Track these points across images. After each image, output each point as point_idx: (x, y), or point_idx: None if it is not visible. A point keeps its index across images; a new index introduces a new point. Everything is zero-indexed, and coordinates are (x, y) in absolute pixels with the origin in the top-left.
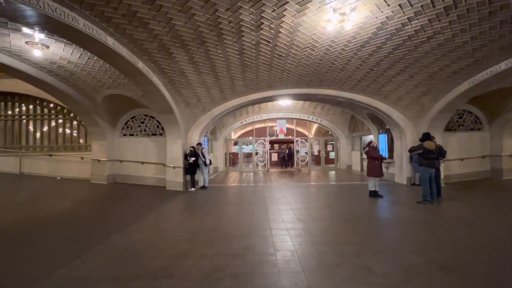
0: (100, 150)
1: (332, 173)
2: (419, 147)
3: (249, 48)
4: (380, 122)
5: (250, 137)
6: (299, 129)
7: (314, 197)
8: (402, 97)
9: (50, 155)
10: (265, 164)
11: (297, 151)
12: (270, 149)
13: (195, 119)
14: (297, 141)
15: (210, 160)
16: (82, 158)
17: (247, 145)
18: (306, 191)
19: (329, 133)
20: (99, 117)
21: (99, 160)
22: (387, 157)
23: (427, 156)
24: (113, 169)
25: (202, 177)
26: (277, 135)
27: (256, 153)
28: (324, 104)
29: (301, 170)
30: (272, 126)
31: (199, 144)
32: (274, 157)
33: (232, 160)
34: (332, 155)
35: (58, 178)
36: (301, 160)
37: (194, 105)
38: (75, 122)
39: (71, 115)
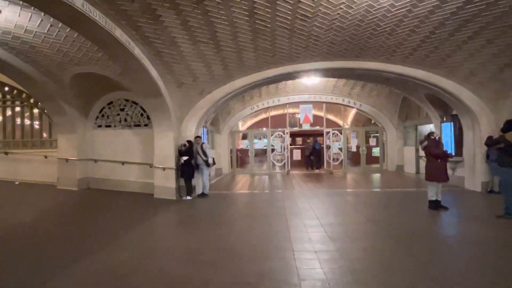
0: (69, 146)
1: (376, 176)
2: (500, 140)
3: (263, 7)
4: (444, 107)
5: (264, 128)
6: (331, 116)
7: (352, 209)
8: (475, 70)
9: (6, 153)
10: (284, 164)
11: (328, 147)
12: (291, 145)
13: (190, 104)
14: (327, 133)
15: (213, 159)
16: (46, 157)
17: (260, 139)
18: (340, 200)
19: (372, 121)
20: (67, 103)
21: (67, 160)
22: (453, 154)
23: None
24: (86, 171)
25: (201, 182)
26: (300, 125)
27: (273, 150)
28: (364, 83)
29: (333, 173)
30: (293, 114)
31: (199, 137)
32: (297, 154)
33: (241, 159)
34: (375, 151)
35: (17, 182)
36: (334, 159)
37: (190, 86)
38: (36, 110)
39: (31, 101)
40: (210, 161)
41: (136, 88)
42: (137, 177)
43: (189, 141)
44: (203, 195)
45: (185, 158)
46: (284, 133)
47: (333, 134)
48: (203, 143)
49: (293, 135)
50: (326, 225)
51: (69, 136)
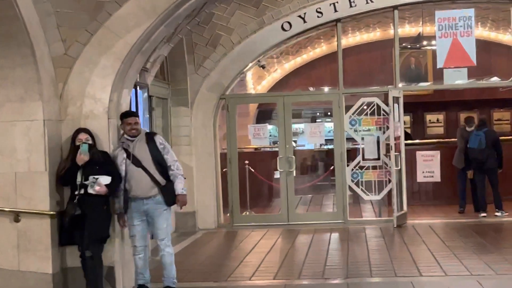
0: None
1: None
2: None
3: None
4: None
5: (326, 88)
6: None
7: None
8: None
9: None
10: (389, 194)
11: None
12: (408, 137)
13: (94, 18)
14: None
15: (183, 189)
16: None
17: (313, 119)
18: None
19: None
20: None
21: None
22: None
23: None
24: None
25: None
26: (436, 77)
27: (351, 152)
28: None
29: None
30: (414, 43)
31: (132, 115)
32: (429, 167)
33: (252, 180)
34: None
35: None
36: None
37: None
38: None
39: None
40: (181, 189)
41: None
42: None
43: (87, 132)
44: None
45: (106, 180)
46: (385, 102)
47: None
48: (155, 133)
49: (415, 107)
50: None
51: None
